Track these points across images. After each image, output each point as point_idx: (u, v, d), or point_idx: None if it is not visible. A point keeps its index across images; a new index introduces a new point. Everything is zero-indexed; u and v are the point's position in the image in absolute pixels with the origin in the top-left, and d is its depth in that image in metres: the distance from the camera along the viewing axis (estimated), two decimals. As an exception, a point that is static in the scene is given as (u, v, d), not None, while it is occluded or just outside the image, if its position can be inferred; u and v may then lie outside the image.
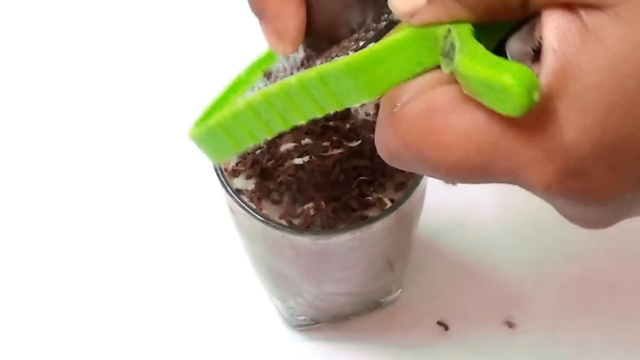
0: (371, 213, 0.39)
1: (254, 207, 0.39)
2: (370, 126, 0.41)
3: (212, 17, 0.62)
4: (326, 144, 0.40)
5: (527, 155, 0.25)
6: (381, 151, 0.29)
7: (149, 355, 0.51)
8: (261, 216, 0.39)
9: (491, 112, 0.25)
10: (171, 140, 0.57)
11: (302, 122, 0.31)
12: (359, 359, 0.50)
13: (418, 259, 0.51)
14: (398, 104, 0.28)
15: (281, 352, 0.51)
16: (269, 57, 0.35)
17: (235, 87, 0.35)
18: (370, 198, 0.40)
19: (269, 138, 0.33)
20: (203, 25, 0.62)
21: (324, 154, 0.40)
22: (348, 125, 0.41)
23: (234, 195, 0.39)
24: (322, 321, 0.51)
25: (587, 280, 0.52)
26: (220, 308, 0.52)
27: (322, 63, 0.32)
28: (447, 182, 0.28)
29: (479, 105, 0.25)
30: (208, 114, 0.35)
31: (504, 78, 0.24)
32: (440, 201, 0.53)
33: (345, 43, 0.32)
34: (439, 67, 0.27)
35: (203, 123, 0.34)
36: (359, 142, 0.40)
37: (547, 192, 0.26)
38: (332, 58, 0.32)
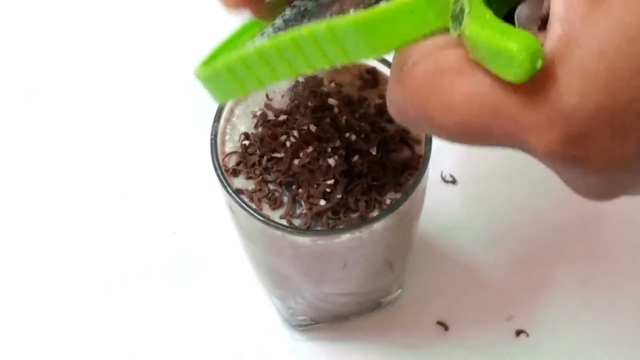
0: (371, 213, 0.39)
1: (254, 207, 0.39)
2: (370, 126, 0.41)
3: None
4: (326, 144, 0.40)
5: (530, 120, 0.25)
6: (391, 110, 0.29)
7: (149, 355, 0.51)
8: (261, 216, 0.39)
9: (495, 77, 0.26)
10: (171, 141, 0.57)
11: (310, 71, 0.31)
12: (359, 359, 0.50)
13: (418, 259, 0.51)
14: (408, 64, 0.28)
15: (281, 352, 0.51)
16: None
17: (245, 31, 0.35)
18: (370, 198, 0.40)
19: (274, 83, 0.33)
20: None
21: (323, 154, 0.40)
22: (348, 125, 0.41)
23: (234, 195, 0.39)
24: (322, 321, 0.51)
25: (587, 280, 0.52)
26: (220, 308, 0.52)
27: (332, 15, 0.32)
28: (452, 142, 0.28)
29: (484, 70, 0.26)
30: (216, 55, 0.35)
31: (509, 45, 0.24)
32: (440, 201, 0.53)
33: None
34: (449, 30, 0.28)
35: (210, 64, 0.34)
36: (359, 142, 0.40)
37: (550, 157, 0.26)
38: (344, 11, 0.33)
